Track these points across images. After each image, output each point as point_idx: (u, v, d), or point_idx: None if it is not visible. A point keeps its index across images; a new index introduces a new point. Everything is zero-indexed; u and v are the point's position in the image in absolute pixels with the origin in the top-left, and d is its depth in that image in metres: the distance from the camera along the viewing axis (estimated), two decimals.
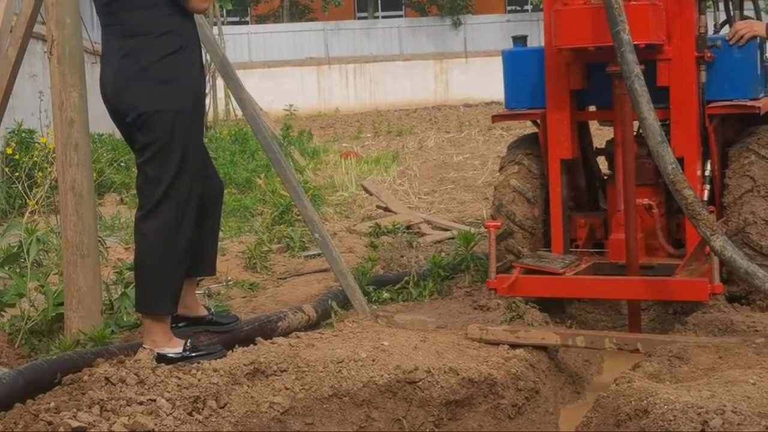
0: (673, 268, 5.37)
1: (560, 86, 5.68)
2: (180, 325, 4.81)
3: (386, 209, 10.12)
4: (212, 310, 5.14)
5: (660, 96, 5.51)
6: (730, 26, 5.92)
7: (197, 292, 6.67)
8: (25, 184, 8.31)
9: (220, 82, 21.27)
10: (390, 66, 39.02)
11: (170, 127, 4.41)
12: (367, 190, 11.11)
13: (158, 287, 4.51)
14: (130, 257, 7.58)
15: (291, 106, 23.66)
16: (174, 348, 4.54)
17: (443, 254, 7.33)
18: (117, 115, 4.55)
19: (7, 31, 5.40)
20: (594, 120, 6.34)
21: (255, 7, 43.37)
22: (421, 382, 4.38)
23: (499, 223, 5.55)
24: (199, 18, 5.22)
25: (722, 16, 6.44)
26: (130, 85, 4.42)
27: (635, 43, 4.93)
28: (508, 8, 43.47)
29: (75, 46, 4.93)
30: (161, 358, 4.45)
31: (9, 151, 9.59)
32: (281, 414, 4.13)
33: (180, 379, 4.11)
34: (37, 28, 5.45)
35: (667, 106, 5.56)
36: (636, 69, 4.77)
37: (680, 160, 5.46)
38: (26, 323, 5.19)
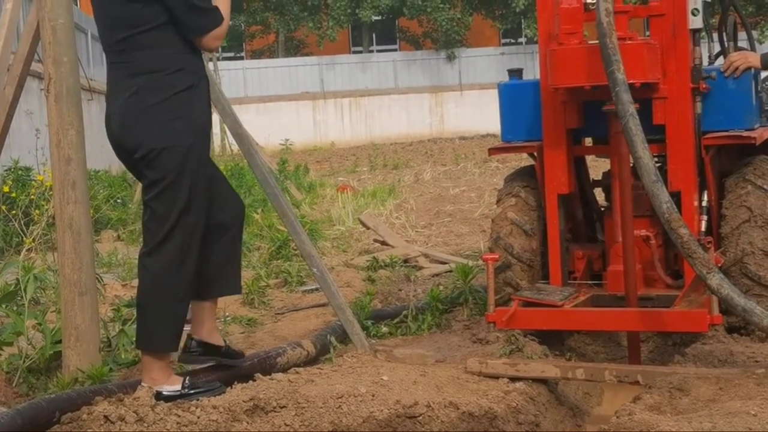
0: (671, 299, 5.36)
1: (556, 124, 5.70)
2: (194, 350, 4.76)
3: (383, 243, 10.11)
4: (227, 342, 5.11)
5: (657, 128, 5.54)
6: (725, 57, 5.95)
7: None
8: (22, 222, 8.30)
9: (215, 117, 21.30)
10: (385, 99, 39.12)
11: (180, 163, 4.45)
12: (364, 224, 11.11)
13: (160, 324, 4.53)
14: (127, 294, 7.57)
15: (287, 140, 23.67)
16: (173, 386, 4.53)
17: (441, 287, 7.32)
18: (124, 151, 4.57)
19: (5, 69, 5.42)
20: (591, 155, 6.35)
21: (250, 42, 43.53)
22: (421, 417, 4.36)
23: (497, 256, 5.55)
24: None
25: (717, 48, 6.47)
26: (140, 122, 4.45)
27: (630, 82, 4.95)
28: (503, 41, 43.61)
29: (72, 84, 4.94)
30: (159, 396, 4.43)
31: (6, 189, 9.59)
32: None
33: (179, 416, 4.10)
34: (33, 66, 5.47)
35: (664, 138, 5.57)
36: (631, 108, 4.79)
37: (677, 194, 5.49)
38: (24, 362, 5.17)
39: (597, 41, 5.00)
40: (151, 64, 4.44)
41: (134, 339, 5.49)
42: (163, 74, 4.43)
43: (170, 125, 4.43)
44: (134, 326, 5.74)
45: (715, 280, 4.61)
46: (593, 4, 5.15)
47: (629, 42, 5.23)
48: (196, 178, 4.50)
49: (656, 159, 5.72)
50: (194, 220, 4.52)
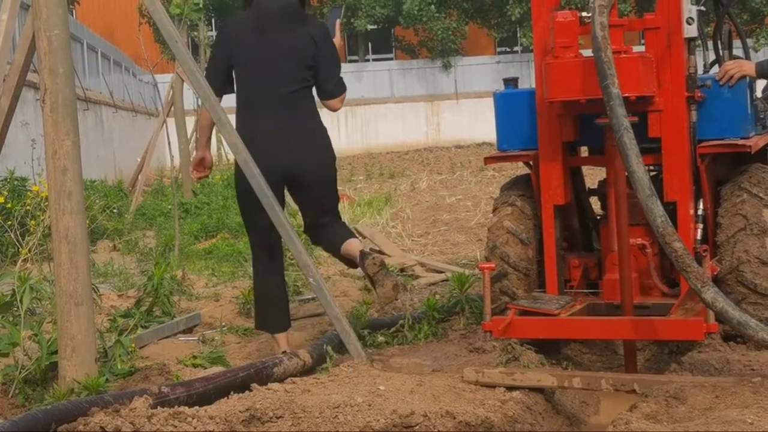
0: (668, 308, 5.36)
1: (552, 137, 5.70)
2: None
3: (380, 252, 10.12)
4: None
5: (653, 138, 5.54)
6: (720, 66, 5.95)
7: (191, 338, 6.68)
8: (18, 232, 8.29)
9: None
10: (381, 108, 39.16)
11: (335, 185, 6.13)
12: (360, 233, 11.12)
13: None
14: (123, 304, 7.57)
15: None
16: None
17: (438, 297, 7.33)
18: (303, 179, 5.88)
19: (0, 80, 5.42)
20: (587, 165, 6.35)
21: None
22: (417, 427, 4.36)
23: (493, 265, 5.54)
24: (191, 64, 5.32)
25: (712, 56, 6.48)
26: (322, 155, 5.93)
27: (626, 95, 4.95)
28: (498, 50, 43.69)
29: (68, 95, 4.95)
30: None
31: (1, 199, 9.58)
32: None
33: (176, 426, 4.09)
34: (29, 76, 5.47)
35: (659, 149, 5.58)
36: (625, 122, 4.79)
37: (673, 204, 5.50)
38: (20, 372, 5.17)
39: (592, 53, 5.00)
40: (313, 111, 5.93)
41: (131, 349, 5.51)
42: (319, 119, 5.94)
43: (333, 158, 6.00)
44: (129, 337, 5.76)
45: (710, 293, 4.61)
46: (588, 17, 5.16)
47: (624, 56, 5.24)
48: None
49: (652, 168, 5.73)
50: None
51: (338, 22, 6.21)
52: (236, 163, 5.74)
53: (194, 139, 18.80)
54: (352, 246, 5.96)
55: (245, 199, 5.87)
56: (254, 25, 5.91)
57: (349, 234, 6.08)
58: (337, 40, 6.08)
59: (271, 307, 5.96)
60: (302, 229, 6.35)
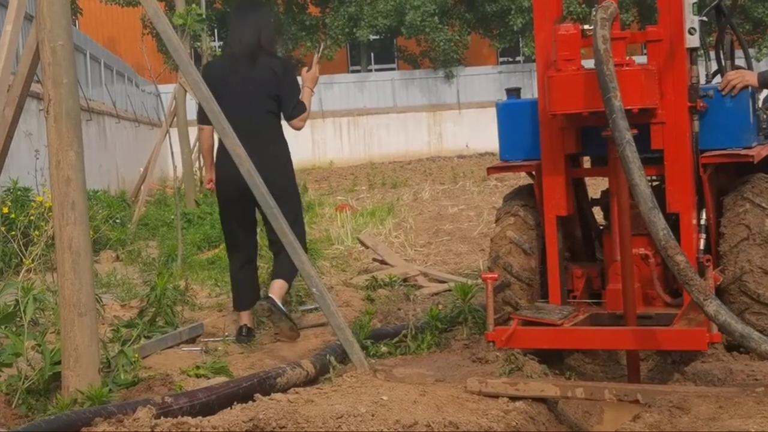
0: (671, 318, 5.36)
1: (554, 149, 5.71)
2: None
3: (383, 262, 10.11)
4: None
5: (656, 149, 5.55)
6: (722, 76, 5.96)
7: (194, 348, 6.69)
8: (21, 243, 8.30)
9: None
10: (384, 118, 39.17)
11: (298, 200, 7.34)
12: (363, 243, 11.11)
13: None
14: (126, 314, 7.58)
15: None
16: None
17: (440, 307, 7.32)
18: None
19: (4, 90, 5.43)
20: (589, 176, 6.36)
21: None
22: None
23: (496, 275, 5.55)
24: (194, 74, 5.35)
25: (714, 66, 6.49)
26: (285, 175, 7.02)
27: (629, 108, 4.95)
28: (500, 60, 43.71)
29: (71, 106, 4.95)
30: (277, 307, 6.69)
31: (5, 210, 9.58)
32: None
33: None
34: (32, 87, 5.48)
35: (662, 159, 5.58)
36: (627, 135, 4.79)
37: (676, 215, 5.50)
38: (23, 383, 5.16)
39: (594, 66, 5.01)
40: (278, 135, 7.08)
41: (134, 359, 5.53)
42: (284, 144, 7.09)
43: (294, 178, 7.14)
44: (133, 347, 5.77)
45: (713, 306, 4.61)
46: (590, 30, 5.17)
47: (626, 68, 5.25)
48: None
49: (654, 179, 5.74)
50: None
51: (315, 56, 7.45)
52: (219, 169, 6.92)
53: (197, 149, 18.87)
54: (273, 286, 6.86)
55: (226, 209, 7.12)
56: (227, 64, 7.13)
57: (282, 272, 6.90)
58: (313, 71, 7.31)
59: (238, 289, 7.13)
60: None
